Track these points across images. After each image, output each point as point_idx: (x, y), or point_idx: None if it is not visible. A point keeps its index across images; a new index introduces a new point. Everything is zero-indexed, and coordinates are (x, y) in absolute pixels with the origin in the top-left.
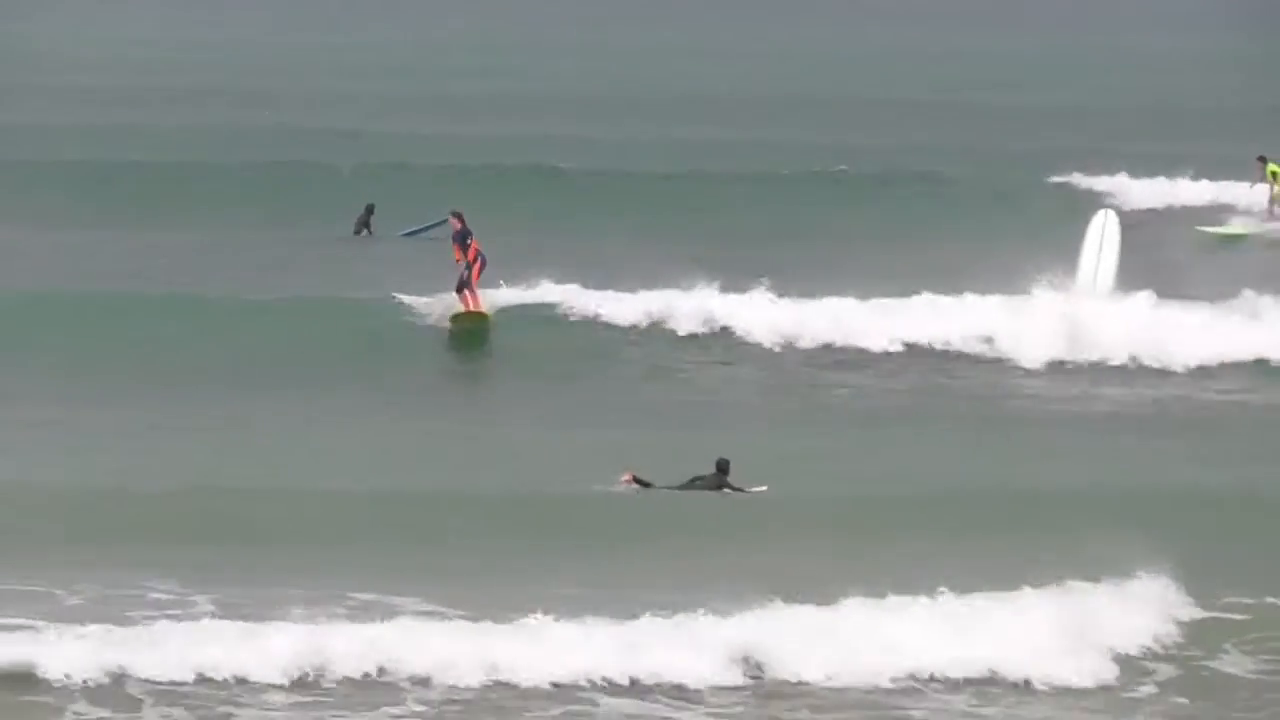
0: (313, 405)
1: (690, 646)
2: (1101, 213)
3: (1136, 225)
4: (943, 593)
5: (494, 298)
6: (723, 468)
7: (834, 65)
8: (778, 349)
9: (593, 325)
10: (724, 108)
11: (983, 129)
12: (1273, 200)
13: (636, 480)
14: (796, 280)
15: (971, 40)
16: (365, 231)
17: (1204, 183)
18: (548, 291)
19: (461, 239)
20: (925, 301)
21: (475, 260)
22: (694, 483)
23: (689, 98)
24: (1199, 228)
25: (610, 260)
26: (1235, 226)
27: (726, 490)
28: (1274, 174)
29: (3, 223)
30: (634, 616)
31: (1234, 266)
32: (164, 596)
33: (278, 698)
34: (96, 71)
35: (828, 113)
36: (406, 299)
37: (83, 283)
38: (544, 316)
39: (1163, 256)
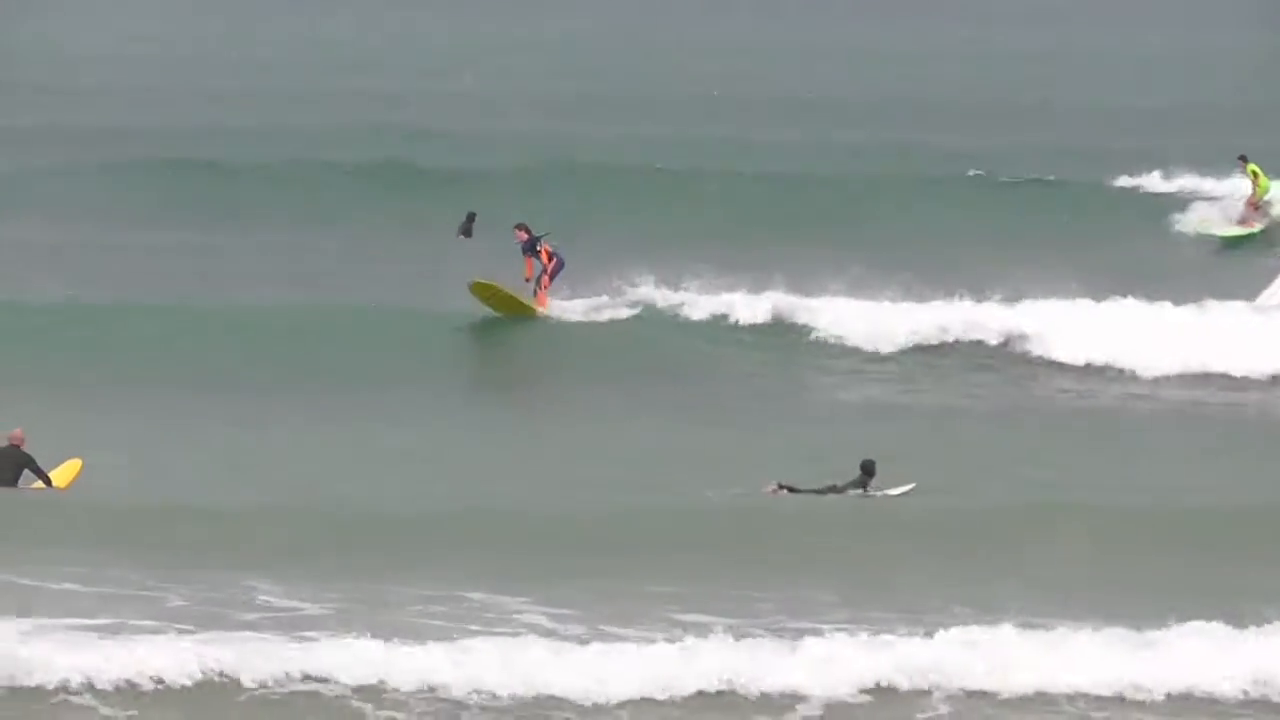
0: (402, 411)
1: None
2: None
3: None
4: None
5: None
6: (868, 469)
7: (918, 66)
8: (906, 351)
9: (716, 328)
10: (823, 109)
11: (1073, 129)
12: (1251, 200)
13: (782, 487)
14: (930, 283)
15: (1046, 38)
16: (466, 238)
17: None
18: (657, 295)
19: (530, 248)
20: (1071, 306)
21: (550, 260)
22: (838, 486)
23: (793, 99)
24: (1200, 231)
25: (733, 261)
26: (1236, 229)
27: (873, 492)
28: (1254, 173)
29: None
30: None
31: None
32: (267, 599)
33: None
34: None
35: (928, 114)
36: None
37: (184, 291)
38: (652, 318)
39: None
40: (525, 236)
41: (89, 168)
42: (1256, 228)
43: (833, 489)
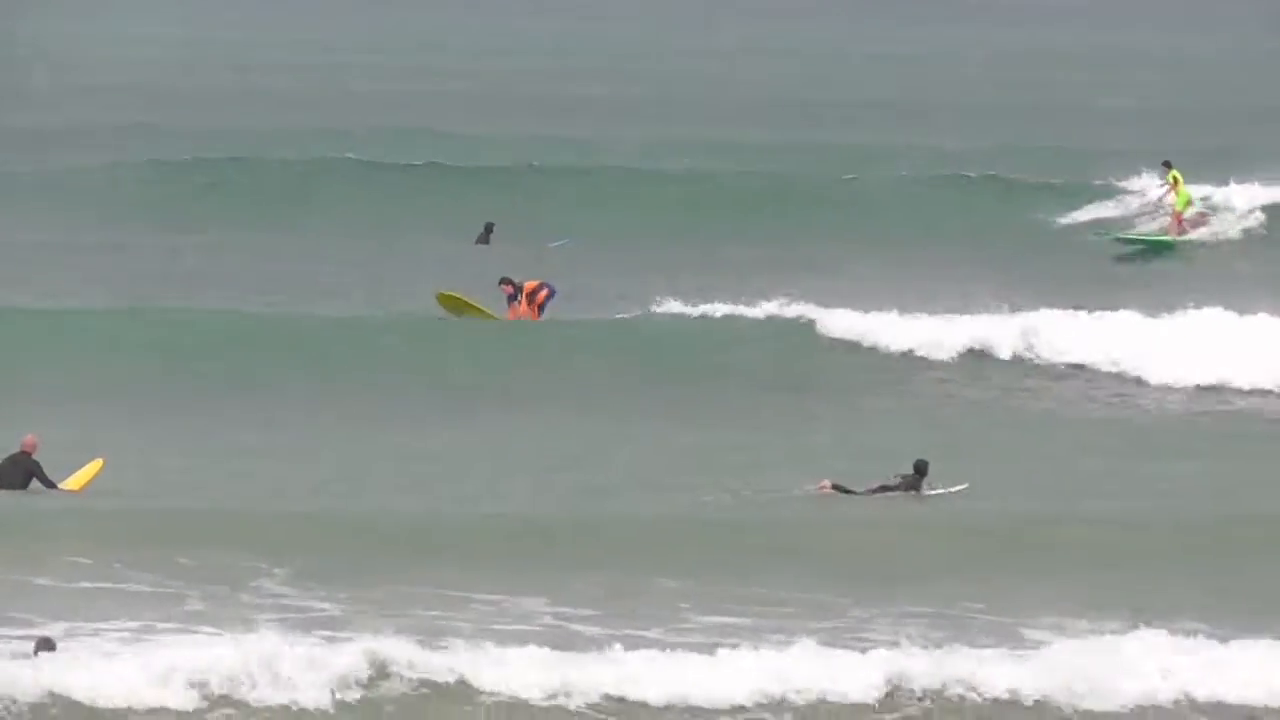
0: (409, 413)
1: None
2: None
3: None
4: None
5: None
6: (920, 469)
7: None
8: (908, 354)
9: (719, 329)
10: (822, 109)
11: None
12: (1176, 212)
13: (835, 487)
14: (931, 286)
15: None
16: (485, 246)
17: None
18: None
19: (511, 299)
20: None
21: (539, 290)
22: (890, 486)
23: (793, 99)
24: (1118, 235)
25: (735, 263)
26: (1155, 233)
27: (925, 492)
28: (1175, 179)
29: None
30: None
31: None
32: (283, 601)
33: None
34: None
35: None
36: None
37: (185, 292)
38: (654, 319)
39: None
40: (510, 289)
41: (90, 168)
42: (1177, 235)
43: (884, 489)
